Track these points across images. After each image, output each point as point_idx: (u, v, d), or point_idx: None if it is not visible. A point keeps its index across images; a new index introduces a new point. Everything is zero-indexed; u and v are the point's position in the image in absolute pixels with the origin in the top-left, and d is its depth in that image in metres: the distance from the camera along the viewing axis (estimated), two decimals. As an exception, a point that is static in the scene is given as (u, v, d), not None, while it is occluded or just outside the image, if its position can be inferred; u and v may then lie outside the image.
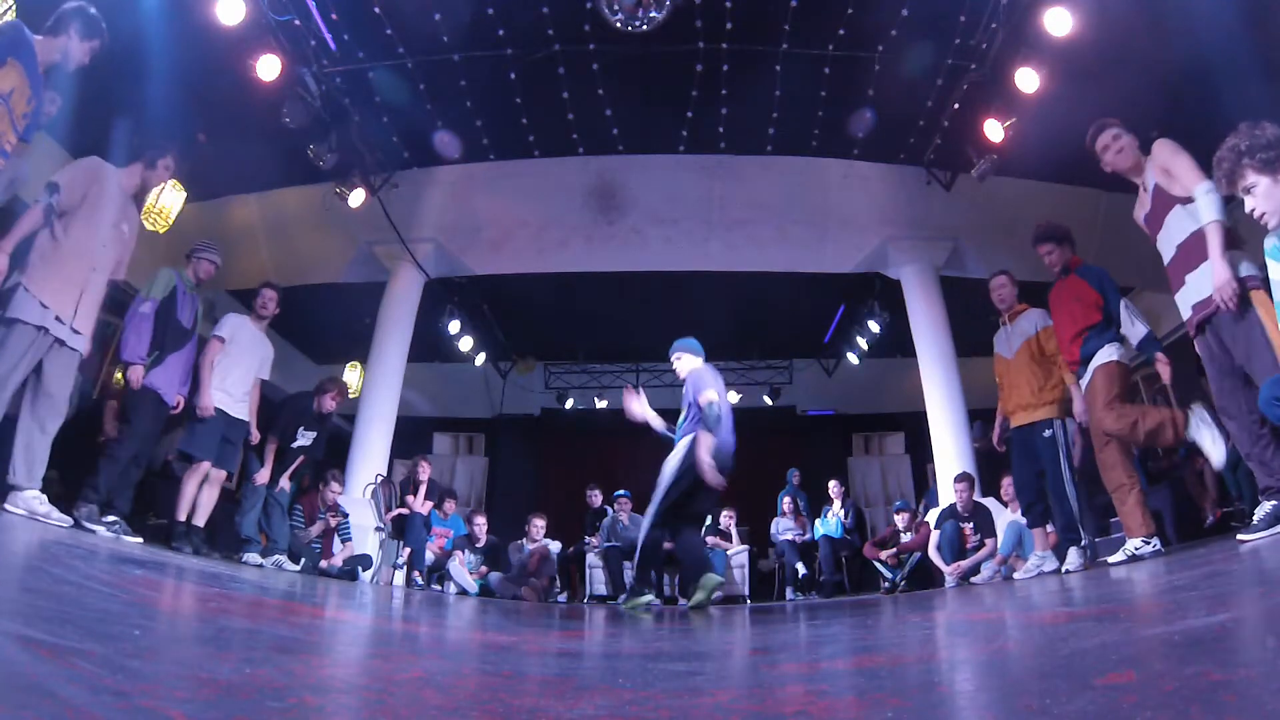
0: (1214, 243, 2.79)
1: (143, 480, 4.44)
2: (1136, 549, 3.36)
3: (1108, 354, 3.62)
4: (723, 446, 3.85)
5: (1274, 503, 2.74)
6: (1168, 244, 3.13)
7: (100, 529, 3.61)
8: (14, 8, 4.70)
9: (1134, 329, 3.64)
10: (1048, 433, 4.03)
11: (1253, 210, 2.37)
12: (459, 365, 11.03)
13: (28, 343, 3.12)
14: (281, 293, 5.01)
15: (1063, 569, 3.89)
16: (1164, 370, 3.50)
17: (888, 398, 11.09)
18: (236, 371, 4.64)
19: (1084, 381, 3.73)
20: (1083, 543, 3.92)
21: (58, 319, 3.22)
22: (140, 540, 3.80)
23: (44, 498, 3.22)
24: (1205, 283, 2.89)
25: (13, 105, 2.78)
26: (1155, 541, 3.37)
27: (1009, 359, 4.32)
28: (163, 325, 4.21)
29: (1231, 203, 2.75)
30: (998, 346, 4.47)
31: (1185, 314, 3.08)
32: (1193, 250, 2.96)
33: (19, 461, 3.16)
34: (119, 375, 4.25)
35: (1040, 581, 3.80)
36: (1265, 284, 2.63)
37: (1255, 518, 2.81)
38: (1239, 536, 2.85)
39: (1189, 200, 2.97)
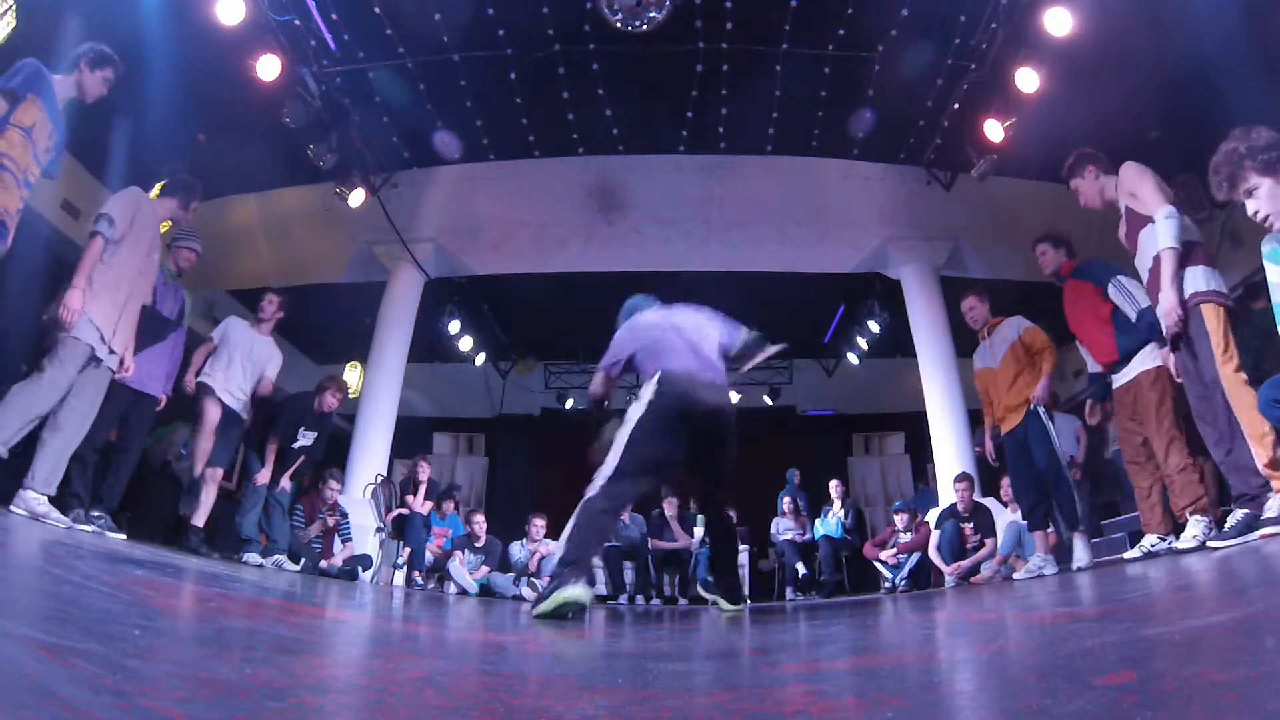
0: (1166, 269, 2.88)
1: (136, 479, 4.42)
2: (1153, 545, 3.39)
3: (1152, 356, 3.43)
4: (668, 376, 2.77)
5: (1245, 511, 2.78)
6: (1142, 264, 3.19)
7: (85, 527, 3.61)
8: (14, 8, 4.71)
9: (1132, 304, 3.48)
10: (1035, 420, 4.04)
11: (1255, 213, 2.37)
12: (459, 365, 11.03)
13: (82, 358, 3.31)
14: (284, 297, 5.04)
15: (1073, 565, 3.88)
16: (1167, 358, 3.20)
17: (888, 398, 11.09)
18: (234, 372, 4.68)
19: (1122, 379, 3.56)
20: (1082, 528, 3.91)
21: (101, 339, 3.40)
22: (124, 537, 3.80)
23: (45, 499, 3.26)
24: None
25: (35, 139, 2.93)
26: (1171, 539, 3.38)
27: (995, 368, 4.33)
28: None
29: (1228, 206, 2.77)
30: (980, 361, 4.48)
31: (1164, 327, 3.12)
32: (1159, 270, 3.01)
33: (39, 465, 3.25)
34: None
35: (1040, 581, 3.80)
36: (1259, 288, 2.66)
37: (1226, 525, 2.86)
38: (1209, 544, 2.88)
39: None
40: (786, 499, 7.85)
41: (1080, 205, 3.50)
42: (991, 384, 4.36)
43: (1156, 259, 3.01)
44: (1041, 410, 4.03)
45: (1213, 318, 2.82)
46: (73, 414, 3.35)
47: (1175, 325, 2.86)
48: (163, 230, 4.05)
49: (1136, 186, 3.13)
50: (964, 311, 4.54)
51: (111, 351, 3.49)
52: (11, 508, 3.18)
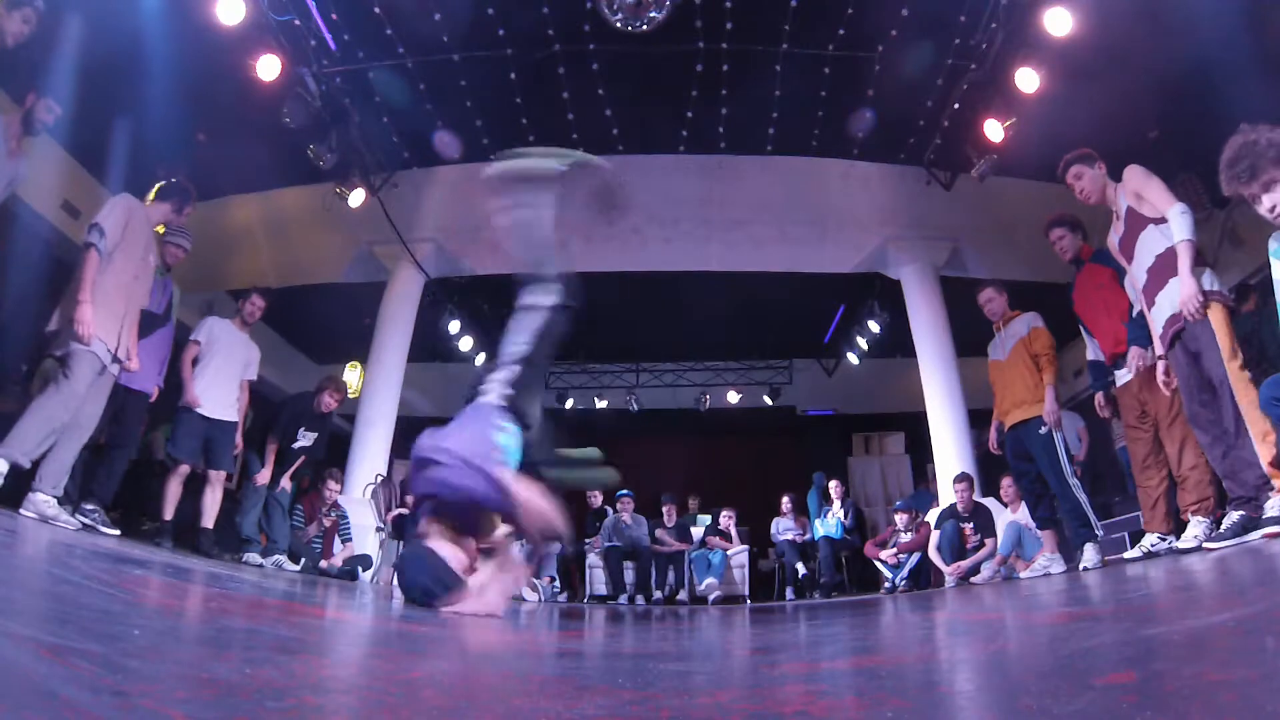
0: (1185, 258, 2.90)
1: (131, 476, 4.42)
2: (1153, 545, 3.39)
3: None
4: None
5: (1241, 513, 2.82)
6: (1140, 267, 3.20)
7: (78, 519, 3.60)
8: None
9: (1138, 304, 3.52)
10: (1043, 429, 4.02)
11: (1274, 207, 2.37)
12: (459, 365, 11.02)
13: (94, 369, 3.35)
14: (271, 297, 5.01)
15: (1080, 566, 3.88)
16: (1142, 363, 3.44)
17: (888, 398, 11.08)
18: (217, 374, 4.62)
19: (1127, 375, 3.62)
20: (1099, 536, 3.90)
21: (108, 350, 3.43)
22: (118, 533, 3.80)
23: (54, 501, 3.28)
24: (1174, 298, 2.97)
25: None
26: (1172, 539, 3.39)
27: (1003, 361, 4.35)
28: None
29: (1229, 206, 2.80)
30: (992, 353, 4.51)
31: (1157, 332, 3.15)
32: (1163, 269, 3.05)
33: (47, 468, 3.28)
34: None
35: (1040, 581, 3.80)
36: (1248, 291, 2.68)
37: (1223, 526, 2.90)
38: (1205, 545, 2.93)
39: (1161, 221, 3.06)
40: (786, 499, 7.84)
41: (1077, 194, 3.50)
42: (999, 377, 4.37)
43: (1163, 256, 3.03)
44: (1054, 434, 3.99)
45: (1220, 317, 2.85)
46: (83, 419, 3.40)
47: (1197, 312, 2.85)
48: (158, 232, 4.04)
49: (1143, 187, 3.15)
50: (982, 304, 4.53)
51: (116, 360, 3.53)
52: (21, 510, 3.19)
